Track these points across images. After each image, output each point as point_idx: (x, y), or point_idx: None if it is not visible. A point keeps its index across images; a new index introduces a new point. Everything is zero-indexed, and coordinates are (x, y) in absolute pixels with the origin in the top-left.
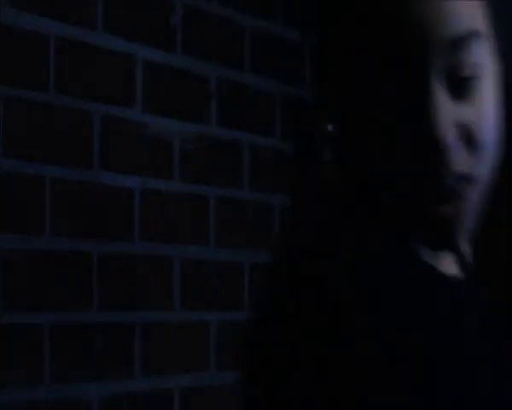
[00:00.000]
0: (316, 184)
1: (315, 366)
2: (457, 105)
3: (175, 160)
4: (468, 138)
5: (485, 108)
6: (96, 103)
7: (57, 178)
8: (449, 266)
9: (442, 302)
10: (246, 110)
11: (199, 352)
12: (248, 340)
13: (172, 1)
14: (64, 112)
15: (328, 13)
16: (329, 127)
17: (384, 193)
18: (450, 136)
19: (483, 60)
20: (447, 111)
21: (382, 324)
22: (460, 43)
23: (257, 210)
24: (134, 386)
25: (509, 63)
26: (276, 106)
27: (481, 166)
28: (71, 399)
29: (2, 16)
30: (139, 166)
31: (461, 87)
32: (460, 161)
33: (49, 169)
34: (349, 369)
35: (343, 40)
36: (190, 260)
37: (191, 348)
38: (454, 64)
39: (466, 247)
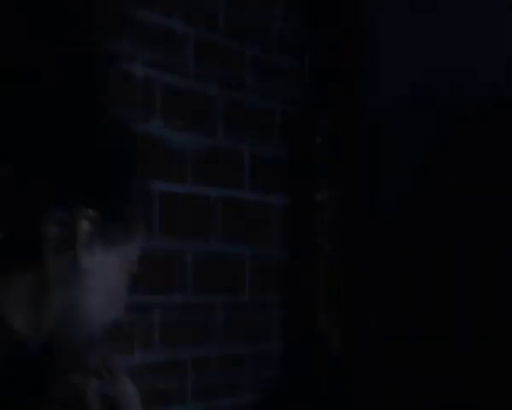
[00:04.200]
0: None
1: None
2: None
3: (188, 167)
4: None
5: None
6: None
7: None
8: None
9: None
10: (248, 123)
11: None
12: None
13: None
14: None
15: None
16: (318, 139)
17: None
18: None
19: None
20: None
21: None
22: None
23: (256, 208)
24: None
25: None
26: (273, 120)
27: None
28: None
29: None
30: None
31: None
32: None
33: None
34: None
35: None
36: (197, 255)
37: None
38: None
39: None
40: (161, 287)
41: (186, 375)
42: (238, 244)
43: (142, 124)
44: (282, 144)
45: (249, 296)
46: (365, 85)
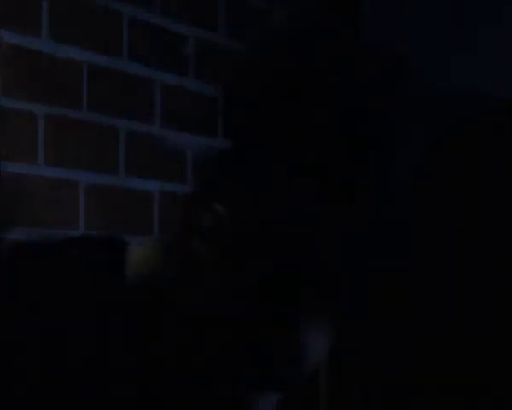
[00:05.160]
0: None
1: None
2: None
3: (188, 167)
4: None
5: None
6: (121, 119)
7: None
8: None
9: None
10: None
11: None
12: None
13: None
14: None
15: None
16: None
17: None
18: None
19: None
20: None
21: None
22: None
23: None
24: None
25: None
26: None
27: None
28: None
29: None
30: (158, 172)
31: None
32: None
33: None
34: None
35: None
36: None
37: None
38: None
39: None
40: None
41: None
42: None
43: (142, 124)
44: None
45: None
46: None
